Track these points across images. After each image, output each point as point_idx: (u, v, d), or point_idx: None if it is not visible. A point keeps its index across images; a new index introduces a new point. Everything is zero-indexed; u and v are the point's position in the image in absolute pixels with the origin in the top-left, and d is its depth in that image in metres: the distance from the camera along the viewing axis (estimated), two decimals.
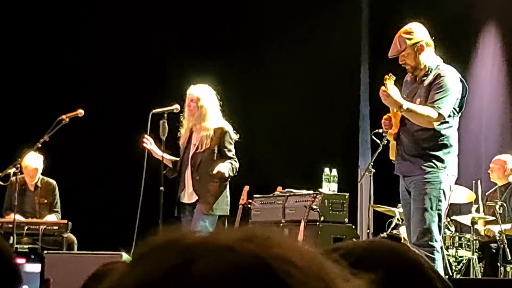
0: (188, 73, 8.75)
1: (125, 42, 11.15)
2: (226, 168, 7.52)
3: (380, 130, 8.21)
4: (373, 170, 8.30)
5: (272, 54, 10.87)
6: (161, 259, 0.86)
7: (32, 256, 2.15)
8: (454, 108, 6.45)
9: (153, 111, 7.77)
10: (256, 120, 10.47)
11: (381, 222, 8.95)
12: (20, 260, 2.17)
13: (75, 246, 8.96)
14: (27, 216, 9.17)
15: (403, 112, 6.40)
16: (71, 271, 6.89)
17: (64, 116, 8.15)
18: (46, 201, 9.45)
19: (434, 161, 6.38)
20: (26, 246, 8.81)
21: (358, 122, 11.16)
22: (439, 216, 6.39)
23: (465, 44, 10.02)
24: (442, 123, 6.41)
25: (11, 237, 8.44)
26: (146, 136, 7.73)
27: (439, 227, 6.41)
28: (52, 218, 9.29)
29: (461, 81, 6.54)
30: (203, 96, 7.68)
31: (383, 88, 6.40)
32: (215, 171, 7.49)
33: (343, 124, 10.93)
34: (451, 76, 6.47)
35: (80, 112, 8.23)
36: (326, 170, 9.07)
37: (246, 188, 8.41)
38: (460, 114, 6.57)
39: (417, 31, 6.55)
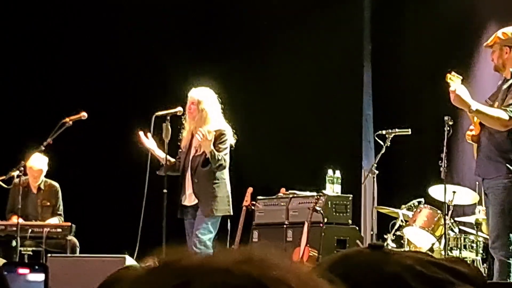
0: (191, 75, 8.74)
1: (128, 45, 11.15)
2: (209, 147, 7.44)
3: (383, 132, 8.22)
4: (377, 172, 8.30)
5: (274, 55, 10.86)
6: (159, 281, 0.86)
7: (36, 267, 2.18)
8: None
9: (156, 113, 7.75)
10: (259, 122, 10.46)
11: (385, 224, 8.95)
12: (24, 270, 2.19)
13: (77, 249, 8.96)
14: (30, 219, 9.16)
15: (472, 113, 6.32)
16: (75, 274, 6.90)
17: (67, 119, 8.15)
18: (48, 203, 9.44)
19: (509, 166, 6.31)
20: (30, 249, 8.81)
21: (361, 123, 11.13)
22: None
23: (467, 44, 9.99)
24: None
25: (15, 240, 8.44)
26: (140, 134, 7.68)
27: None
28: (54, 221, 9.28)
29: None
30: (204, 99, 7.64)
31: (451, 88, 6.30)
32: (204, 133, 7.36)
33: (346, 125, 10.91)
34: None
35: (84, 115, 8.24)
36: (330, 171, 9.07)
37: (250, 189, 8.41)
38: None
39: None
